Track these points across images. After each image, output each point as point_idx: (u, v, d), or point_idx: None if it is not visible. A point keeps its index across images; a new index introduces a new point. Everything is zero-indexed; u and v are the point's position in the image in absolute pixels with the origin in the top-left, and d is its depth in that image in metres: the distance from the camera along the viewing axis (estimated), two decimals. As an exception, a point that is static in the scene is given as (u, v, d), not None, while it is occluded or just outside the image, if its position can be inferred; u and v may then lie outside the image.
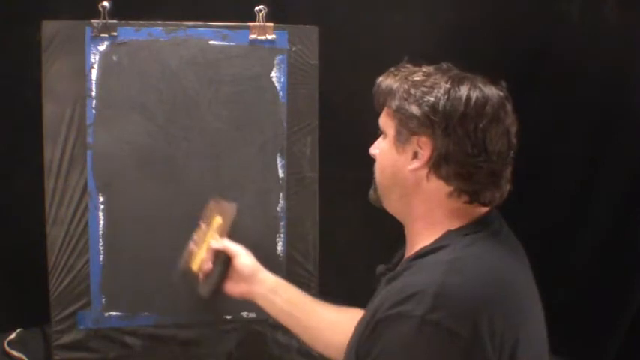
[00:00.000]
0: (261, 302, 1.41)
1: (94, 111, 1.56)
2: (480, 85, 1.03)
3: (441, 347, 0.91)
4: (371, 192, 1.16)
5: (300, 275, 1.66)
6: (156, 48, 1.57)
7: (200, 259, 1.44)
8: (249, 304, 1.44)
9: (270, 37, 1.61)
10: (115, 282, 1.59)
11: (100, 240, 1.58)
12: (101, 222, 1.58)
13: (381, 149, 1.12)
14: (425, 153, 1.03)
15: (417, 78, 1.05)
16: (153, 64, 1.57)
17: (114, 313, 1.60)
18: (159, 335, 1.63)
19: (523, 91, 1.84)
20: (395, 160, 1.07)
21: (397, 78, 1.07)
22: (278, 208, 1.65)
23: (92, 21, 1.53)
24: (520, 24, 1.87)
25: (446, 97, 1.01)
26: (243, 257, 1.42)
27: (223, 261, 1.43)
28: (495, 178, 1.03)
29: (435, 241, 1.04)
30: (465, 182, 1.03)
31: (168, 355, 1.64)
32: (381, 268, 1.18)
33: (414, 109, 1.03)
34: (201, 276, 1.45)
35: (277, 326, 1.66)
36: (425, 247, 1.04)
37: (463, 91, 1.01)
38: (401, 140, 1.06)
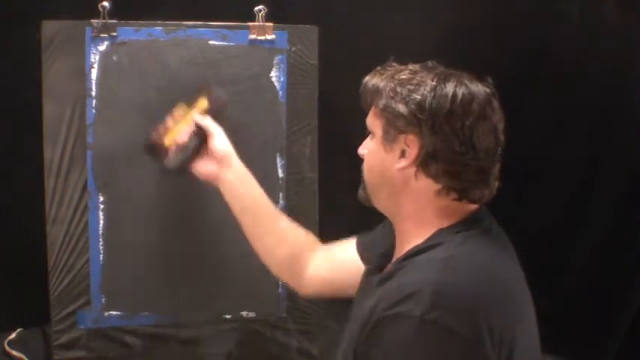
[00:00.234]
0: (225, 189, 1.37)
1: (93, 111, 1.56)
2: (467, 82, 1.03)
3: (441, 346, 0.91)
4: (360, 191, 1.15)
5: (300, 275, 1.66)
6: (156, 48, 1.57)
7: (175, 134, 1.41)
8: (249, 304, 1.44)
9: (269, 37, 1.61)
10: (114, 281, 1.59)
11: (100, 239, 1.58)
12: (101, 221, 1.58)
13: (369, 149, 1.11)
14: (412, 151, 1.03)
15: (403, 76, 1.05)
16: (153, 64, 1.57)
17: (114, 312, 1.60)
18: (159, 335, 1.63)
19: (523, 91, 1.86)
20: (383, 159, 1.07)
21: (383, 77, 1.07)
22: (278, 208, 1.65)
23: (92, 21, 1.53)
24: (520, 24, 1.87)
25: (432, 94, 1.01)
26: (221, 138, 1.38)
27: (199, 138, 1.39)
28: (484, 176, 1.03)
29: (427, 240, 1.03)
30: (454, 180, 1.02)
31: (168, 355, 1.64)
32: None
33: (401, 108, 1.02)
34: (173, 148, 1.41)
35: (277, 326, 1.67)
36: (416, 245, 1.04)
37: (449, 88, 1.01)
38: (388, 139, 1.06)
